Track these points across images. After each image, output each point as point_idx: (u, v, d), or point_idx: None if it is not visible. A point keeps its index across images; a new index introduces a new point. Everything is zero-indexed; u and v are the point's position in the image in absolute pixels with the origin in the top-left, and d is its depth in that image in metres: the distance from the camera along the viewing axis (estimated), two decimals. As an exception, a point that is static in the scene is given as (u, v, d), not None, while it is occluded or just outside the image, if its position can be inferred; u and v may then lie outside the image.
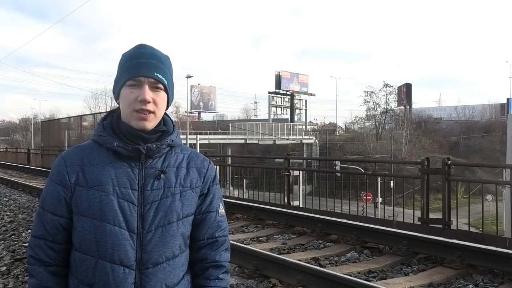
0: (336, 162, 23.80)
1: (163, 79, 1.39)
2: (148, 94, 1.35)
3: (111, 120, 1.44)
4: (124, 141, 1.37)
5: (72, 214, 1.36)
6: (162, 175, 1.38)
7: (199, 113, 69.00)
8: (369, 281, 4.49)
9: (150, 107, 1.36)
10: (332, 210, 9.73)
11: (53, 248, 1.37)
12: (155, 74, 1.37)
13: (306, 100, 67.99)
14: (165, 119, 1.46)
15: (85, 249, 1.32)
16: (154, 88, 1.37)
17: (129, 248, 1.31)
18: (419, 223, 7.16)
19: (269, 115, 63.05)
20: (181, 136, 1.51)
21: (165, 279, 1.35)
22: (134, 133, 1.37)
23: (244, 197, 14.29)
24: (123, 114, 1.40)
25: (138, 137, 1.37)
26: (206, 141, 45.79)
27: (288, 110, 65.61)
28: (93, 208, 1.32)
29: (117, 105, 1.46)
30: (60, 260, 1.38)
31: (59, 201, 1.36)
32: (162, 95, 1.40)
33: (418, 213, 7.60)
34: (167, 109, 1.45)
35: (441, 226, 6.92)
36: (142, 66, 1.36)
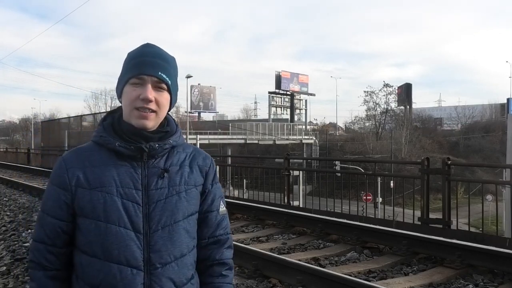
0: (336, 162, 23.79)
1: (167, 78, 1.36)
2: (151, 93, 1.33)
3: (111, 121, 1.41)
4: (126, 140, 1.35)
5: (75, 217, 1.35)
6: (165, 174, 1.37)
7: (199, 113, 69.04)
8: (369, 281, 4.49)
9: (152, 106, 1.34)
10: (332, 210, 9.72)
11: (53, 252, 1.36)
12: (159, 73, 1.34)
13: (306, 100, 68.01)
14: (169, 119, 1.44)
15: (91, 251, 1.31)
16: (157, 87, 1.35)
17: (135, 249, 1.30)
18: (419, 223, 7.16)
19: (269, 115, 63.03)
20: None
21: (174, 279, 1.34)
22: (136, 132, 1.35)
23: (244, 197, 14.31)
24: (125, 113, 1.38)
25: (141, 136, 1.35)
26: (206, 141, 45.74)
27: (288, 110, 65.59)
28: (98, 210, 1.30)
29: (118, 105, 1.44)
30: (60, 264, 1.37)
31: (59, 205, 1.35)
32: (165, 95, 1.37)
33: (418, 213, 7.60)
34: (169, 110, 1.43)
35: (441, 226, 6.92)
36: (147, 65, 1.34)
